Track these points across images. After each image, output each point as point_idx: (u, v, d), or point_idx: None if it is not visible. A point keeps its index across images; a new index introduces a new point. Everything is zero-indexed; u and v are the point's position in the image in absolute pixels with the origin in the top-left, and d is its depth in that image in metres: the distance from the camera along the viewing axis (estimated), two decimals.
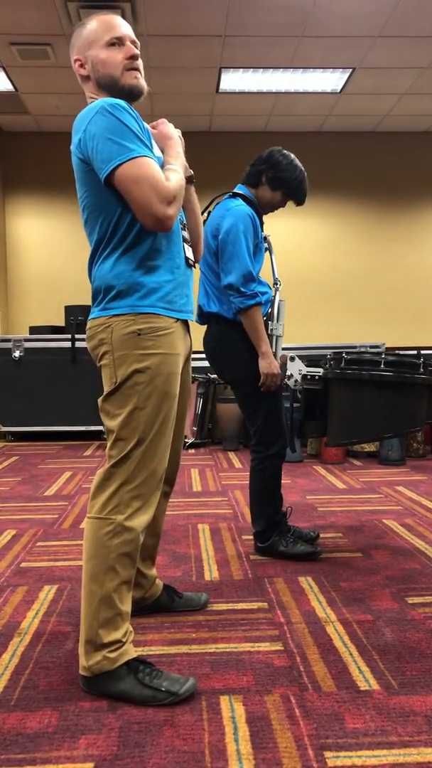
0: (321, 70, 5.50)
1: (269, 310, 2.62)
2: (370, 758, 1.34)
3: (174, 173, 1.60)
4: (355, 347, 5.82)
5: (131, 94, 1.68)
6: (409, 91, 5.94)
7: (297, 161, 2.56)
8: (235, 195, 2.57)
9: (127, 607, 1.62)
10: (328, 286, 7.01)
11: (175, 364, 1.67)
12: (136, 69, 1.68)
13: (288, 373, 2.71)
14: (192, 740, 1.41)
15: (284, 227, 6.78)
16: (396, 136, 6.93)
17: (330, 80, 5.70)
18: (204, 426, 5.62)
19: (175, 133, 1.74)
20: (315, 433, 2.77)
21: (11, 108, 6.17)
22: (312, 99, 6.08)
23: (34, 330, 6.11)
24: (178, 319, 1.70)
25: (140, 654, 1.69)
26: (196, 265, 1.86)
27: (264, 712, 1.52)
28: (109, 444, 1.65)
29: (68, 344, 5.79)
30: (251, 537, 2.73)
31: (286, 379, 2.70)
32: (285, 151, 2.57)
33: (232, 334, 2.53)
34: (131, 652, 1.62)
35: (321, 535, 2.89)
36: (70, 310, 6.03)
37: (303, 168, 2.57)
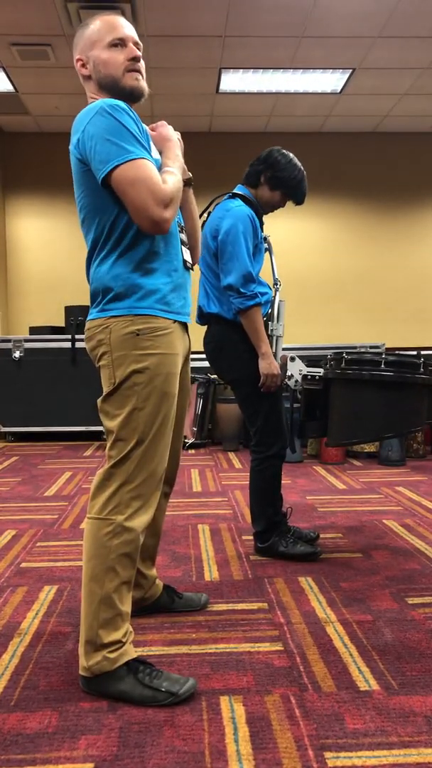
0: (321, 70, 5.51)
1: (269, 311, 2.63)
2: (370, 758, 1.34)
3: (171, 176, 1.60)
4: (355, 347, 5.82)
5: (131, 96, 1.68)
6: (410, 92, 5.94)
7: (296, 161, 2.56)
8: (234, 195, 2.56)
9: (127, 607, 1.62)
10: (329, 286, 7.01)
11: (174, 364, 1.67)
12: (138, 71, 1.68)
13: (288, 373, 2.71)
14: (192, 741, 1.41)
15: (284, 227, 6.78)
16: (396, 136, 6.93)
17: (330, 81, 5.70)
18: (204, 426, 5.62)
19: (174, 136, 1.74)
20: (315, 434, 2.77)
21: (11, 108, 6.17)
22: (312, 99, 6.08)
23: (34, 330, 6.12)
24: (175, 321, 1.70)
25: (140, 654, 1.69)
26: (194, 267, 1.86)
27: (264, 712, 1.52)
28: (108, 444, 1.65)
29: (68, 345, 5.79)
30: (251, 537, 2.73)
31: (286, 380, 2.70)
32: (284, 151, 2.57)
33: (232, 335, 2.53)
34: (131, 652, 1.62)
35: (321, 536, 2.89)
36: (70, 311, 6.03)
37: (302, 168, 2.57)
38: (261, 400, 2.53)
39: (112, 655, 1.57)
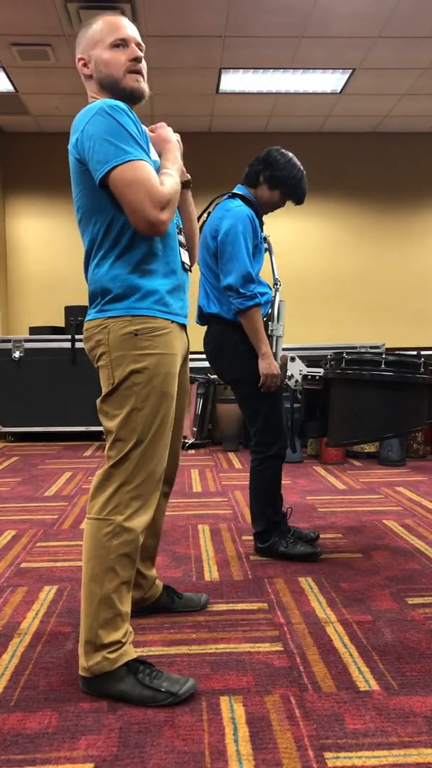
0: (321, 70, 5.51)
1: (269, 311, 2.63)
2: (370, 759, 1.34)
3: (169, 178, 1.60)
4: (355, 347, 5.82)
5: (132, 97, 1.68)
6: (410, 92, 5.94)
7: (295, 160, 2.55)
8: (234, 195, 2.56)
9: (126, 607, 1.62)
10: (329, 286, 7.01)
11: (173, 364, 1.67)
12: (139, 72, 1.68)
13: (288, 373, 2.71)
14: (192, 741, 1.41)
15: (284, 228, 6.78)
16: (396, 136, 6.93)
17: (330, 81, 5.70)
18: (204, 426, 5.62)
19: (173, 137, 1.74)
20: (315, 434, 2.77)
21: (11, 108, 6.17)
22: (312, 99, 6.08)
23: (34, 330, 6.12)
24: (174, 321, 1.70)
25: (140, 654, 1.69)
26: (192, 269, 1.86)
27: (264, 712, 1.52)
28: (107, 445, 1.65)
29: (68, 345, 5.80)
30: (251, 537, 2.72)
31: (286, 380, 2.70)
32: (283, 150, 2.56)
33: (232, 335, 2.53)
34: (131, 652, 1.62)
35: (321, 536, 2.89)
36: (70, 311, 6.03)
37: (302, 167, 2.56)
38: (261, 400, 2.53)
39: (111, 656, 1.57)
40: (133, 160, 1.52)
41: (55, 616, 2.08)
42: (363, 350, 4.85)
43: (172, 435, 1.79)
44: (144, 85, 1.70)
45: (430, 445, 5.31)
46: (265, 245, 2.68)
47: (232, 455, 5.23)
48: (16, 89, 5.76)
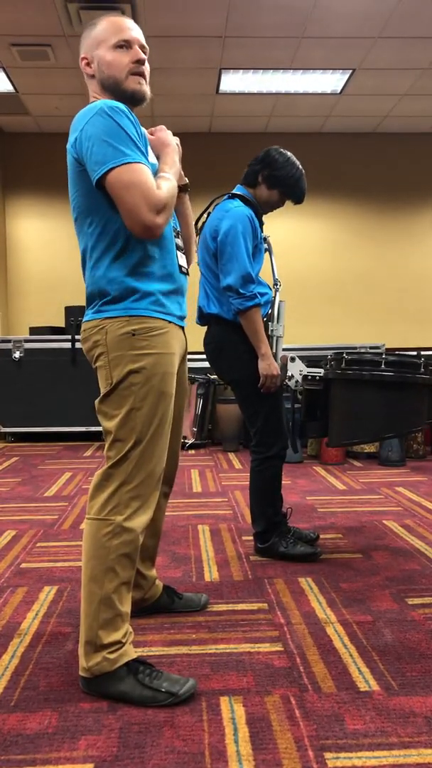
0: (321, 71, 5.51)
1: (269, 311, 2.62)
2: (370, 759, 1.34)
3: (166, 182, 1.59)
4: (355, 348, 5.82)
5: (133, 99, 1.68)
6: (410, 92, 5.94)
7: (294, 159, 2.55)
8: (233, 196, 2.56)
9: (126, 607, 1.62)
10: (329, 286, 7.01)
11: (171, 363, 1.67)
12: (141, 74, 1.68)
13: (289, 373, 2.70)
14: (192, 741, 1.41)
15: (284, 228, 6.78)
16: (396, 137, 6.93)
17: (330, 81, 5.70)
18: (204, 427, 5.62)
19: (172, 141, 1.73)
20: (316, 434, 2.77)
21: (11, 109, 6.17)
22: (312, 100, 6.08)
23: (34, 331, 6.12)
24: (171, 322, 1.70)
25: (140, 655, 1.69)
26: (189, 273, 1.86)
27: (264, 713, 1.52)
28: (106, 445, 1.65)
29: (68, 345, 5.80)
30: (251, 538, 2.72)
31: (286, 380, 2.70)
32: (282, 150, 2.56)
33: (232, 336, 2.53)
34: (131, 652, 1.61)
35: (321, 536, 2.89)
36: (70, 311, 6.04)
37: (300, 166, 2.56)
38: (261, 400, 2.53)
39: (111, 656, 1.57)
40: (131, 162, 1.52)
41: (55, 616, 2.08)
42: (363, 350, 4.85)
43: (172, 435, 1.79)
44: (146, 88, 1.70)
45: (430, 445, 5.31)
46: (265, 245, 2.68)
47: (232, 455, 5.23)
48: (16, 89, 5.76)
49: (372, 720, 1.48)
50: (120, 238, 1.60)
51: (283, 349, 2.72)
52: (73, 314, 5.91)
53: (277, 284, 2.77)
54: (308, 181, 2.60)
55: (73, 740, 1.42)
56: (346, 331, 6.96)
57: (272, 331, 2.62)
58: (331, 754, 1.36)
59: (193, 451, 5.43)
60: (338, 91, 5.90)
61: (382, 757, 1.35)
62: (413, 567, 2.51)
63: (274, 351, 2.60)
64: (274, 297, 2.66)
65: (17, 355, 5.77)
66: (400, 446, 4.73)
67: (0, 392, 5.80)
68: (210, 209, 2.62)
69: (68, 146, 1.64)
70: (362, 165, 6.96)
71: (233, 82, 5.68)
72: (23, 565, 2.57)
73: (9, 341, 5.81)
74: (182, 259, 1.77)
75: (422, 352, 2.52)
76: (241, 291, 2.42)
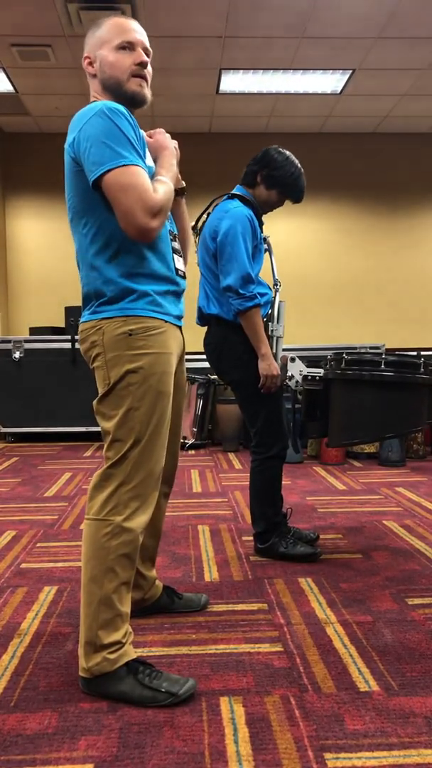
0: (321, 71, 5.51)
1: (269, 311, 2.62)
2: (370, 759, 1.34)
3: (162, 185, 1.59)
4: (355, 348, 5.82)
5: (133, 101, 1.68)
6: (409, 93, 5.94)
7: (293, 158, 2.54)
8: (233, 196, 2.56)
9: (126, 608, 1.62)
10: (328, 287, 7.01)
11: (168, 363, 1.67)
12: (143, 77, 1.68)
13: (289, 374, 2.70)
14: (192, 741, 1.41)
15: (284, 228, 6.78)
16: (396, 137, 6.93)
17: (330, 81, 5.71)
18: (204, 427, 5.62)
19: (170, 144, 1.73)
20: (316, 434, 2.77)
21: (11, 109, 6.17)
22: (312, 100, 6.08)
23: (34, 331, 6.12)
24: (168, 322, 1.70)
25: (140, 655, 1.69)
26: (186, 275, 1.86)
27: (264, 713, 1.52)
28: (105, 445, 1.65)
29: (68, 345, 5.80)
30: (251, 538, 2.72)
31: (286, 380, 2.70)
32: (280, 149, 2.55)
33: (232, 336, 2.53)
34: (131, 653, 1.62)
35: (321, 536, 2.89)
36: (70, 311, 6.03)
37: (300, 166, 2.56)
38: (261, 401, 2.53)
39: (111, 656, 1.57)
40: (128, 165, 1.52)
41: (55, 616, 2.08)
42: (363, 351, 4.85)
43: (171, 435, 1.79)
44: (146, 91, 1.69)
45: (430, 445, 5.31)
46: (265, 246, 2.68)
47: (232, 456, 5.23)
48: (16, 90, 5.76)
49: (372, 720, 1.48)
50: (115, 240, 1.60)
51: (283, 350, 2.72)
52: (73, 314, 5.91)
53: (277, 284, 2.77)
54: (308, 181, 2.60)
55: (73, 740, 1.42)
56: (346, 332, 6.96)
57: (272, 331, 2.62)
58: (331, 754, 1.36)
59: (193, 452, 5.43)
60: (338, 92, 5.90)
61: (382, 758, 1.35)
62: (413, 567, 2.51)
63: (274, 351, 2.60)
64: (274, 297, 2.66)
65: (17, 355, 5.77)
66: (400, 446, 4.73)
67: (0, 392, 5.80)
68: (210, 209, 2.61)
69: (66, 146, 1.64)
70: (362, 165, 6.96)
71: (233, 82, 5.68)
72: (23, 566, 2.57)
73: (9, 341, 5.81)
74: (179, 263, 1.77)
75: (422, 353, 2.52)
76: (241, 291, 2.42)
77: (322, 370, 2.65)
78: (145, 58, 1.68)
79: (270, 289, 2.62)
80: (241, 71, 5.49)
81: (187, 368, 4.42)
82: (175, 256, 1.74)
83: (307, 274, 6.94)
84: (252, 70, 5.48)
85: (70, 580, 2.39)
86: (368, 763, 1.33)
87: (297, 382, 2.70)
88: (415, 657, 1.78)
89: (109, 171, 1.52)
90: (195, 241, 2.64)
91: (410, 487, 3.97)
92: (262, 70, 5.48)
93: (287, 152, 2.55)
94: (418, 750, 1.37)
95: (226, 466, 4.76)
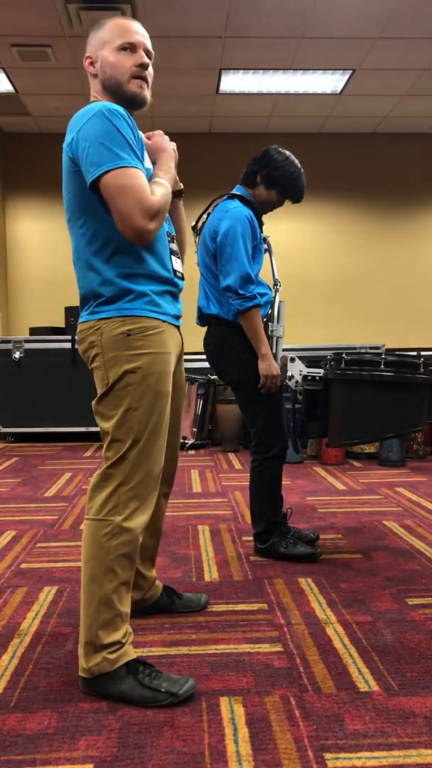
0: (321, 71, 5.51)
1: (269, 312, 2.62)
2: (370, 759, 1.34)
3: (160, 188, 1.59)
4: (355, 348, 5.82)
5: (133, 103, 1.68)
6: (409, 93, 5.94)
7: (293, 158, 2.54)
8: (233, 196, 2.56)
9: (126, 608, 1.62)
10: (329, 287, 7.01)
11: (167, 362, 1.67)
12: (143, 78, 1.67)
13: (289, 374, 2.70)
14: (192, 741, 1.41)
15: (285, 228, 6.78)
16: (396, 137, 6.93)
17: (330, 82, 5.70)
18: (204, 427, 5.62)
19: (169, 146, 1.73)
20: (316, 434, 2.77)
21: (11, 109, 6.17)
22: (312, 100, 6.08)
23: (34, 331, 6.12)
24: (166, 321, 1.69)
25: (140, 655, 1.69)
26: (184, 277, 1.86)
27: (264, 713, 1.52)
28: (104, 446, 1.65)
29: (68, 345, 5.80)
30: (251, 538, 2.72)
31: (286, 380, 2.70)
32: (280, 149, 2.55)
33: (232, 336, 2.53)
34: (131, 653, 1.62)
35: (321, 537, 2.89)
36: (70, 311, 6.04)
37: (299, 166, 2.56)
38: (261, 401, 2.53)
39: (111, 656, 1.57)
40: (126, 166, 1.52)
41: (55, 616, 2.08)
42: (363, 351, 4.85)
43: (170, 434, 1.79)
44: (146, 93, 1.69)
45: (430, 445, 5.31)
46: (265, 246, 2.68)
47: (232, 456, 5.23)
48: (16, 90, 5.76)
49: (372, 720, 1.48)
50: (113, 240, 1.60)
51: (283, 350, 2.72)
52: (73, 314, 5.91)
53: (277, 284, 2.76)
54: (308, 181, 2.59)
55: (73, 740, 1.42)
56: (346, 332, 6.95)
57: (272, 331, 2.62)
58: (331, 754, 1.36)
59: (193, 452, 5.43)
60: (338, 92, 5.90)
61: (382, 758, 1.35)
62: (413, 567, 2.51)
63: (274, 351, 2.60)
64: (274, 297, 2.66)
65: (17, 355, 5.77)
66: (400, 446, 4.73)
67: (0, 392, 5.80)
68: (209, 209, 2.61)
69: (64, 145, 1.64)
70: (362, 165, 6.96)
71: (233, 82, 5.68)
72: (23, 566, 2.57)
73: (9, 341, 5.81)
74: (177, 264, 1.76)
75: (422, 353, 2.52)
76: (241, 292, 2.42)
77: (321, 370, 2.65)
78: (146, 59, 1.68)
79: (270, 289, 2.62)
80: (241, 71, 5.49)
81: (187, 368, 4.41)
82: (173, 257, 1.74)
83: (307, 273, 6.94)
84: (252, 70, 5.48)
85: (70, 580, 2.39)
86: (368, 763, 1.33)
87: (297, 382, 2.70)
88: (415, 657, 1.78)
89: (107, 172, 1.52)
90: (195, 241, 2.64)
91: (410, 487, 3.97)
92: (262, 71, 5.48)
93: (287, 152, 2.55)
94: (418, 750, 1.37)
95: (226, 466, 4.76)
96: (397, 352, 2.51)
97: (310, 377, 2.67)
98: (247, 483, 2.69)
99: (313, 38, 4.94)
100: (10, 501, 3.72)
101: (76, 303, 6.67)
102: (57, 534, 3.01)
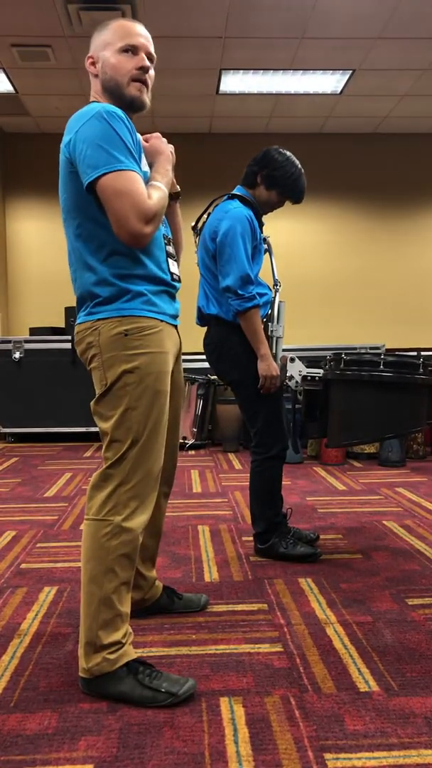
0: (321, 71, 5.51)
1: (269, 312, 2.62)
2: (370, 760, 1.34)
3: (157, 191, 1.59)
4: (355, 348, 5.82)
5: (131, 106, 1.67)
6: (409, 93, 5.94)
7: (293, 158, 2.54)
8: (233, 197, 2.56)
9: (126, 608, 1.62)
10: (328, 287, 7.01)
11: (164, 362, 1.67)
12: (143, 82, 1.67)
13: (288, 374, 2.70)
14: (192, 742, 1.41)
15: (285, 229, 6.78)
16: (396, 137, 6.93)
17: (330, 82, 5.70)
18: (204, 427, 5.62)
19: (166, 149, 1.73)
20: (316, 434, 2.77)
21: (11, 109, 6.17)
22: (312, 100, 6.08)
23: (34, 331, 6.12)
24: (163, 321, 1.69)
25: (140, 655, 1.69)
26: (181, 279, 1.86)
27: (264, 713, 1.52)
28: (104, 446, 1.65)
29: (68, 345, 5.79)
30: (251, 538, 2.72)
31: (286, 380, 2.70)
32: (281, 149, 2.55)
33: (232, 336, 2.53)
34: (131, 653, 1.62)
35: (321, 537, 2.89)
36: (70, 312, 6.03)
37: (300, 166, 2.55)
38: (261, 401, 2.53)
39: (111, 656, 1.57)
40: (124, 170, 1.52)
41: (55, 616, 2.08)
42: (362, 351, 4.85)
43: (169, 434, 1.79)
44: (145, 97, 1.69)
45: (430, 445, 5.31)
46: (265, 246, 2.68)
47: (232, 456, 5.23)
48: (16, 90, 5.76)
49: (372, 720, 1.48)
50: (108, 243, 1.60)
51: (283, 350, 2.72)
52: (74, 315, 5.81)
53: (277, 285, 2.76)
54: (308, 181, 2.59)
55: (73, 741, 1.42)
56: (346, 332, 6.96)
57: (272, 331, 2.62)
58: (331, 754, 1.36)
59: (193, 452, 5.43)
60: (338, 92, 5.90)
61: (382, 758, 1.35)
62: (413, 567, 2.51)
63: (273, 352, 2.60)
64: (274, 297, 2.65)
65: (17, 355, 5.77)
66: (400, 447, 4.73)
67: (0, 392, 5.80)
68: (210, 209, 2.61)
69: (62, 145, 1.64)
70: (362, 165, 6.96)
71: (233, 82, 5.68)
72: (23, 566, 2.57)
73: (9, 342, 5.81)
74: (174, 266, 1.76)
75: (422, 353, 2.52)
76: (240, 292, 2.41)
77: (321, 371, 2.65)
78: (147, 63, 1.67)
79: (270, 289, 2.62)
80: (241, 71, 5.49)
81: (187, 368, 4.40)
82: (170, 260, 1.74)
83: (307, 274, 6.94)
84: (252, 71, 5.48)
85: (70, 581, 2.39)
86: (368, 764, 1.33)
87: (297, 382, 2.70)
88: (415, 657, 1.78)
89: (104, 175, 1.52)
90: (195, 242, 2.64)
91: (410, 488, 3.97)
92: (262, 71, 5.48)
93: (288, 153, 2.54)
94: (418, 750, 1.37)
95: (226, 467, 4.76)
96: (396, 353, 2.51)
97: (309, 377, 2.67)
98: (247, 483, 2.69)
99: (313, 38, 4.94)
100: (10, 501, 3.72)
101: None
102: (57, 534, 3.01)
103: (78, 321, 1.69)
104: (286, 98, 6.02)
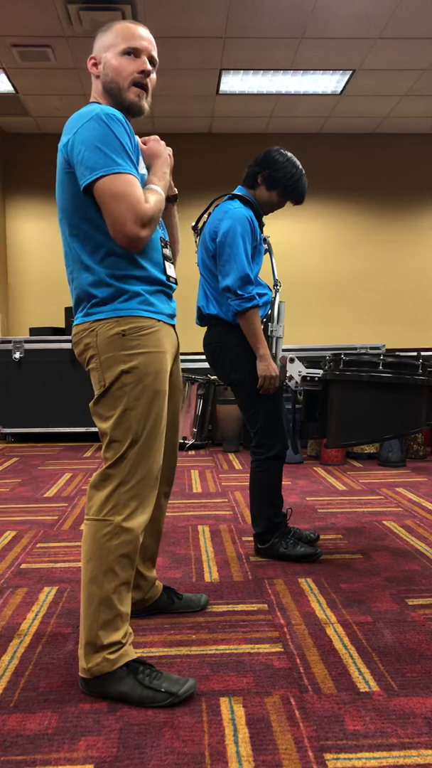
0: (321, 71, 5.51)
1: (269, 312, 2.62)
2: (370, 760, 1.34)
3: (154, 195, 1.59)
4: (355, 349, 5.82)
5: (129, 111, 1.67)
6: (410, 93, 5.95)
7: (294, 159, 2.54)
8: (233, 197, 2.56)
9: (126, 608, 1.62)
10: (329, 287, 7.01)
11: (163, 362, 1.67)
12: (143, 86, 1.67)
13: (288, 374, 2.70)
14: (192, 742, 1.41)
15: (285, 229, 6.78)
16: (396, 137, 6.93)
17: (330, 82, 5.71)
18: (204, 427, 5.62)
19: (164, 152, 1.72)
20: (315, 435, 2.77)
21: (12, 109, 6.18)
22: (312, 101, 6.09)
23: (34, 331, 6.12)
24: (160, 320, 1.69)
25: (140, 655, 1.69)
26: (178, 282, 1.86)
27: (264, 713, 1.51)
28: (103, 446, 1.65)
29: (68, 346, 5.79)
30: (251, 538, 2.72)
31: (286, 381, 2.70)
32: (282, 150, 2.55)
33: (232, 337, 2.53)
34: (131, 653, 1.62)
35: (321, 537, 2.89)
36: (70, 312, 6.03)
37: (301, 167, 2.55)
38: (261, 401, 2.53)
39: (111, 656, 1.57)
40: (121, 173, 1.52)
41: (55, 617, 2.08)
42: (362, 351, 4.85)
43: (169, 433, 1.80)
44: (144, 103, 1.69)
45: (430, 446, 5.31)
46: (265, 246, 2.67)
47: (232, 456, 5.23)
48: (16, 90, 5.76)
49: (372, 721, 1.48)
50: (104, 244, 1.60)
51: (283, 350, 2.72)
52: (73, 315, 5.91)
53: (277, 285, 2.76)
54: (308, 182, 2.59)
55: (73, 741, 1.42)
56: (346, 332, 6.96)
57: (272, 331, 2.61)
58: (331, 755, 1.36)
59: (193, 452, 5.43)
60: (338, 92, 5.91)
61: (382, 758, 1.35)
62: (413, 567, 2.51)
63: (273, 352, 2.59)
64: (274, 298, 2.65)
65: (17, 355, 5.77)
66: (400, 447, 4.73)
67: (0, 393, 5.80)
68: (210, 209, 2.61)
69: (60, 146, 1.64)
70: (362, 166, 6.96)
71: (233, 82, 5.69)
72: (23, 566, 2.57)
73: (9, 342, 5.81)
74: (170, 269, 1.76)
75: (422, 353, 2.52)
76: (240, 292, 2.41)
77: (321, 371, 2.65)
78: (148, 66, 1.67)
79: (270, 289, 2.62)
80: (242, 72, 5.50)
81: (187, 368, 4.40)
82: (166, 262, 1.74)
83: (307, 274, 6.95)
84: (252, 71, 5.48)
85: (70, 581, 2.39)
86: (368, 764, 1.33)
87: (296, 382, 2.70)
88: (415, 657, 1.78)
89: (101, 177, 1.52)
90: (195, 242, 2.64)
91: (410, 488, 3.96)
92: (262, 71, 5.48)
93: (289, 153, 2.54)
94: (418, 750, 1.37)
95: (226, 467, 4.76)
96: (396, 353, 2.51)
97: (309, 378, 2.67)
98: (247, 483, 2.69)
99: (313, 38, 4.94)
100: (10, 501, 3.72)
101: None
102: (57, 534, 3.01)
103: (75, 322, 1.69)
104: (286, 98, 6.03)
